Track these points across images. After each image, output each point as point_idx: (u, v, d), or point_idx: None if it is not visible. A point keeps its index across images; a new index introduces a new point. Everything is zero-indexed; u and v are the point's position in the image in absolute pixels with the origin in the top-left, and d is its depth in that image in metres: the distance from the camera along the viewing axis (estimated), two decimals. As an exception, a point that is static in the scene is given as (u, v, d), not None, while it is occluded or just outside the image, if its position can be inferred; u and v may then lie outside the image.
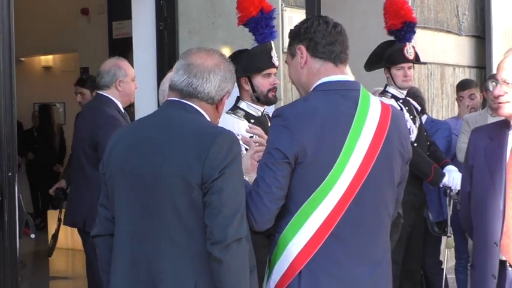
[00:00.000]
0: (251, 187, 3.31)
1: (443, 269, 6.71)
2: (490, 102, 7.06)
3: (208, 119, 3.30)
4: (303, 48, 3.42)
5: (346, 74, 3.48)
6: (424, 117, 6.88)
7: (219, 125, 3.43)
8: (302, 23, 3.48)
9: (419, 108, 6.49)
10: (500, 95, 3.88)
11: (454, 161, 6.60)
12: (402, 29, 6.29)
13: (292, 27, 3.55)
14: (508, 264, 3.86)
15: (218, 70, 3.30)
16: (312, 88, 3.40)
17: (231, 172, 3.12)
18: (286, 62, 3.55)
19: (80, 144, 6.02)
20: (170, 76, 3.47)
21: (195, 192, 3.10)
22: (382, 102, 3.47)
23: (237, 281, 3.10)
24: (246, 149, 4.47)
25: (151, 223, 3.17)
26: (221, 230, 3.07)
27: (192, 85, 3.27)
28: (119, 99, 6.01)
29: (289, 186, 3.28)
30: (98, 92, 6.10)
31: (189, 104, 3.28)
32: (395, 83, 6.25)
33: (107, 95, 5.99)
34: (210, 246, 3.08)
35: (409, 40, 6.31)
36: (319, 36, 3.40)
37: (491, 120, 6.37)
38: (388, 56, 6.25)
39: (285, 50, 3.99)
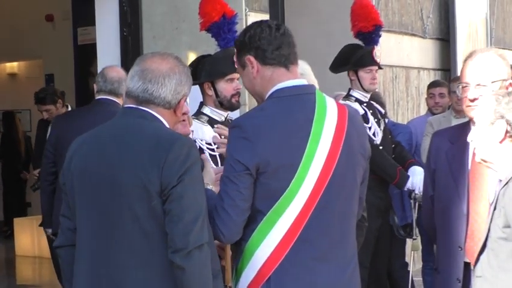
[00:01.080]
0: (215, 201, 3.28)
1: (409, 271, 6.71)
2: (453, 105, 7.11)
3: (166, 124, 3.27)
4: (252, 58, 3.39)
5: (299, 76, 3.46)
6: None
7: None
8: (245, 32, 3.44)
9: (383, 111, 6.51)
10: (475, 99, 3.81)
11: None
12: (373, 31, 6.31)
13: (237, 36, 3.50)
14: (471, 267, 3.86)
15: (173, 74, 3.26)
16: (268, 95, 3.38)
17: (190, 178, 3.08)
18: (237, 72, 3.52)
19: None
20: None
21: (154, 201, 3.07)
22: (337, 103, 3.46)
23: (201, 287, 3.08)
24: (211, 154, 4.48)
25: (112, 233, 3.14)
26: (182, 238, 3.03)
27: (147, 91, 3.23)
28: None
29: (254, 195, 3.26)
30: (110, 98, 5.91)
31: (145, 111, 3.24)
32: (362, 86, 6.24)
33: (119, 102, 5.86)
34: (172, 254, 3.05)
35: (377, 43, 6.35)
36: (265, 43, 3.36)
37: (454, 122, 6.41)
38: (358, 59, 6.24)
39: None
